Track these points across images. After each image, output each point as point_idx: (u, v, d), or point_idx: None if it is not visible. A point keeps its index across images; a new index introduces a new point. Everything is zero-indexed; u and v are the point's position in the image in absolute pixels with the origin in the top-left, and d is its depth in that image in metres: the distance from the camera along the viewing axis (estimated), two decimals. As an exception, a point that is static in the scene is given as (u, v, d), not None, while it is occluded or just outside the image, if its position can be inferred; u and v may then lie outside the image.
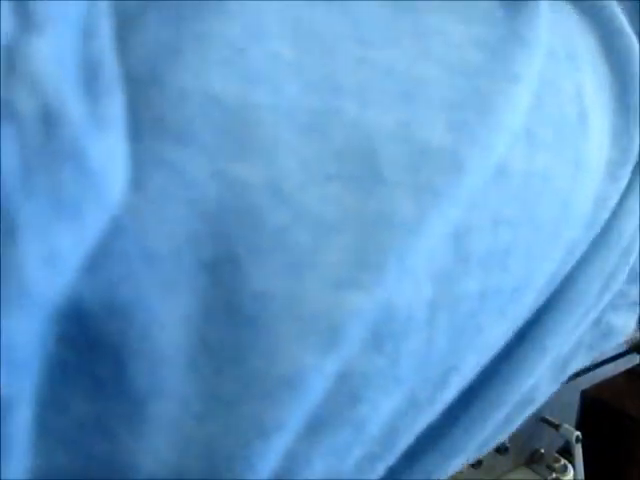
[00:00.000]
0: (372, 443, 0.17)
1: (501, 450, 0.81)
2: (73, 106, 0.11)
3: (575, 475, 0.85)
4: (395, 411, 0.17)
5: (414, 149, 0.15)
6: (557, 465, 0.85)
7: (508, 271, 0.17)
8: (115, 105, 0.12)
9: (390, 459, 0.18)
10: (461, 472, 0.79)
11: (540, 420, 0.85)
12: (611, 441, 0.97)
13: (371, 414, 0.16)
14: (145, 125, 0.12)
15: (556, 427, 0.84)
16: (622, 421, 0.96)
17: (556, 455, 0.86)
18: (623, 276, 0.22)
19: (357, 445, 0.16)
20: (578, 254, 0.20)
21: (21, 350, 0.11)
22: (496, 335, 0.19)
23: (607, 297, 0.22)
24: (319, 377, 0.14)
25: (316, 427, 0.15)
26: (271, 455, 0.14)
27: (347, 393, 0.15)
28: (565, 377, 0.23)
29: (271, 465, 0.15)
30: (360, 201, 0.14)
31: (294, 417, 0.14)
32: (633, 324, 0.25)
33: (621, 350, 0.91)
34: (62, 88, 0.11)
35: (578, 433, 0.83)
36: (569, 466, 0.85)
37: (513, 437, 0.82)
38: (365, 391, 0.15)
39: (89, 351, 0.12)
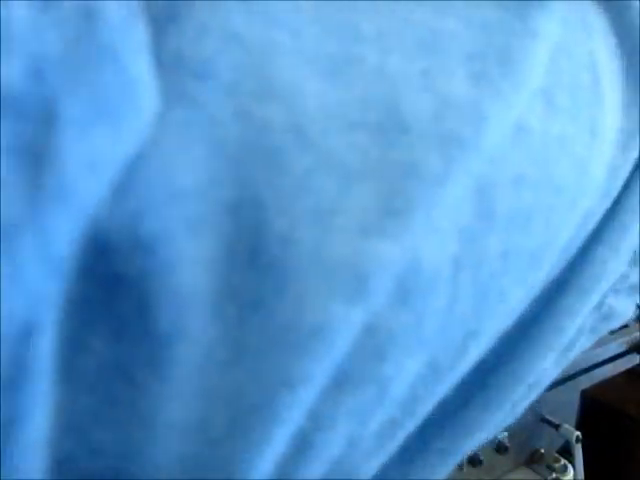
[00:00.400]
0: (394, 407, 0.17)
1: (501, 450, 0.81)
2: (113, 8, 0.10)
3: (575, 475, 0.85)
4: (417, 374, 0.16)
5: (437, 99, 0.15)
6: (557, 465, 0.85)
7: (529, 233, 0.17)
8: (142, 28, 0.11)
9: (409, 427, 0.18)
10: (461, 472, 0.79)
11: (540, 420, 0.85)
12: (611, 441, 0.97)
13: (395, 374, 0.16)
14: (165, 59, 0.12)
15: (556, 427, 0.84)
16: (622, 421, 0.97)
17: (556, 455, 0.86)
18: (627, 257, 0.22)
19: (380, 407, 0.16)
20: (592, 225, 0.20)
21: (56, 248, 0.10)
22: (516, 301, 0.18)
23: (613, 279, 0.22)
24: (346, 328, 0.14)
25: (341, 383, 0.15)
26: (297, 408, 0.14)
27: (373, 349, 0.15)
28: (568, 362, 0.23)
29: (296, 420, 0.14)
30: (385, 150, 0.14)
31: (321, 370, 0.14)
32: (633, 308, 0.26)
33: (621, 350, 0.91)
34: None
35: (578, 433, 0.83)
36: (569, 466, 0.85)
37: (513, 437, 0.82)
38: (390, 348, 0.15)
39: (111, 287, 0.12)
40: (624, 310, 0.25)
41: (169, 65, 0.12)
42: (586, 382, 0.89)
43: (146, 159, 0.12)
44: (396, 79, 0.14)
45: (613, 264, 0.21)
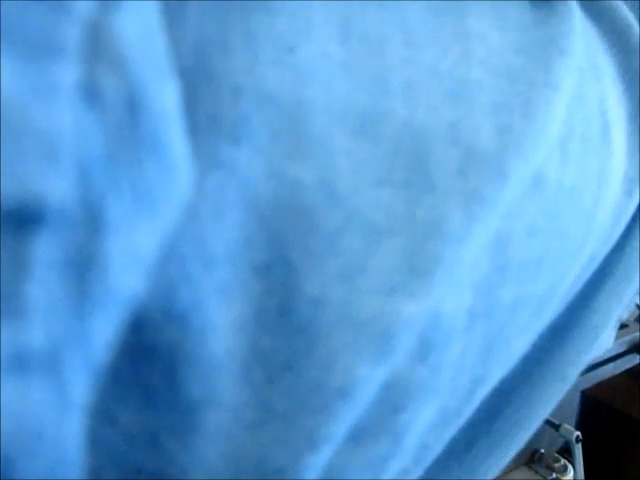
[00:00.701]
0: (406, 456, 0.17)
1: (501, 450, 0.81)
2: (156, 92, 0.10)
3: (575, 475, 0.85)
4: (428, 423, 0.17)
5: (463, 153, 0.15)
6: (557, 465, 0.85)
7: (537, 282, 0.17)
8: (175, 96, 0.11)
9: (418, 473, 0.18)
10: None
11: (540, 420, 0.85)
12: (611, 441, 0.97)
13: (409, 425, 0.16)
14: (200, 122, 0.12)
15: (556, 427, 0.84)
16: (622, 421, 0.96)
17: (556, 455, 0.86)
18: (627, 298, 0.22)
19: (393, 458, 0.16)
20: (593, 268, 0.20)
21: (99, 355, 0.10)
22: (519, 347, 0.19)
23: (615, 324, 0.22)
24: (369, 387, 0.14)
25: (357, 437, 0.15)
26: (318, 466, 0.14)
27: (390, 402, 0.15)
28: None
29: (315, 476, 0.14)
30: (410, 207, 0.14)
31: (342, 428, 0.14)
32: (613, 337, 0.26)
33: (621, 350, 0.91)
34: (146, 72, 0.10)
35: (578, 433, 0.83)
36: (569, 466, 0.85)
37: (513, 437, 0.82)
38: (407, 401, 0.15)
39: (142, 359, 0.12)
40: (607, 340, 0.25)
41: (204, 129, 0.12)
42: (586, 382, 0.89)
43: (181, 233, 0.12)
44: (424, 133, 0.14)
45: (616, 312, 0.21)
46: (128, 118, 0.09)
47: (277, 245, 0.13)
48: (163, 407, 0.12)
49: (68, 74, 0.09)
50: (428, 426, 0.17)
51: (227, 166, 0.12)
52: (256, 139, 0.13)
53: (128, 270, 0.10)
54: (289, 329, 0.13)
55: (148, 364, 0.12)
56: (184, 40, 0.12)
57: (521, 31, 0.17)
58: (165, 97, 0.10)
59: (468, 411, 0.18)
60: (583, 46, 0.18)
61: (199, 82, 0.12)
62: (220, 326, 0.12)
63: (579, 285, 0.20)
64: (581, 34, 0.18)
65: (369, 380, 0.14)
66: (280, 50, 0.13)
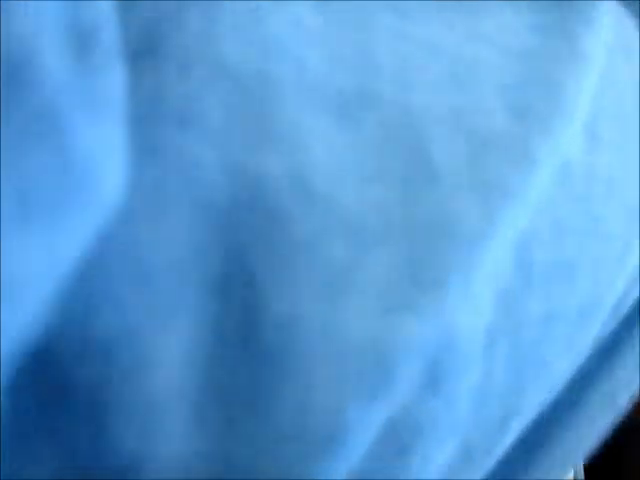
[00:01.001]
0: None
1: (501, 450, 0.80)
2: (55, 68, 0.08)
3: (575, 475, 0.85)
4: (447, 466, 0.14)
5: (473, 139, 0.12)
6: (557, 465, 0.85)
7: (574, 287, 0.15)
8: (114, 81, 0.09)
9: None
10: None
11: (540, 420, 0.84)
12: (611, 441, 0.97)
13: (421, 468, 0.13)
14: (142, 105, 0.10)
15: (556, 427, 0.84)
16: (622, 421, 0.96)
17: (556, 455, 0.86)
18: None
19: None
20: None
21: None
22: (560, 370, 0.16)
23: None
24: (365, 429, 0.11)
25: None
26: None
27: (394, 443, 0.12)
28: None
29: None
30: (409, 205, 0.12)
31: None
32: None
33: (621, 350, 0.91)
34: (40, 42, 0.08)
35: (578, 433, 0.83)
36: (569, 466, 0.85)
37: (513, 437, 0.81)
38: (416, 441, 0.12)
39: (56, 404, 0.09)
40: None
41: (147, 112, 0.10)
42: (586, 382, 0.88)
43: (108, 243, 0.09)
44: (420, 118, 0.12)
45: None
46: (7, 88, 0.07)
47: (236, 254, 0.10)
48: (87, 467, 0.10)
49: None
50: (446, 469, 0.14)
51: (171, 157, 0.10)
52: (208, 123, 0.10)
53: (24, 300, 0.08)
54: (253, 360, 0.11)
55: (65, 410, 0.09)
56: (136, 16, 0.10)
57: (539, 12, 0.15)
58: (77, 81, 0.08)
59: (501, 448, 0.15)
60: (611, 20, 0.16)
61: (145, 59, 0.10)
62: (161, 357, 0.10)
63: (633, 296, 0.17)
64: (607, 7, 0.16)
65: (364, 422, 0.11)
66: (243, 15, 0.11)
